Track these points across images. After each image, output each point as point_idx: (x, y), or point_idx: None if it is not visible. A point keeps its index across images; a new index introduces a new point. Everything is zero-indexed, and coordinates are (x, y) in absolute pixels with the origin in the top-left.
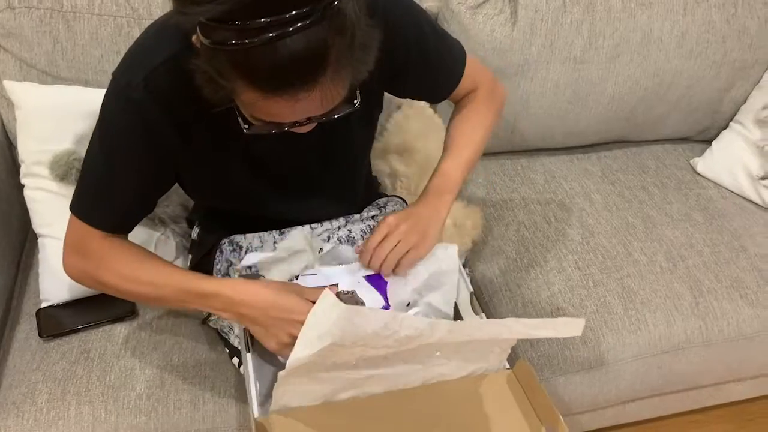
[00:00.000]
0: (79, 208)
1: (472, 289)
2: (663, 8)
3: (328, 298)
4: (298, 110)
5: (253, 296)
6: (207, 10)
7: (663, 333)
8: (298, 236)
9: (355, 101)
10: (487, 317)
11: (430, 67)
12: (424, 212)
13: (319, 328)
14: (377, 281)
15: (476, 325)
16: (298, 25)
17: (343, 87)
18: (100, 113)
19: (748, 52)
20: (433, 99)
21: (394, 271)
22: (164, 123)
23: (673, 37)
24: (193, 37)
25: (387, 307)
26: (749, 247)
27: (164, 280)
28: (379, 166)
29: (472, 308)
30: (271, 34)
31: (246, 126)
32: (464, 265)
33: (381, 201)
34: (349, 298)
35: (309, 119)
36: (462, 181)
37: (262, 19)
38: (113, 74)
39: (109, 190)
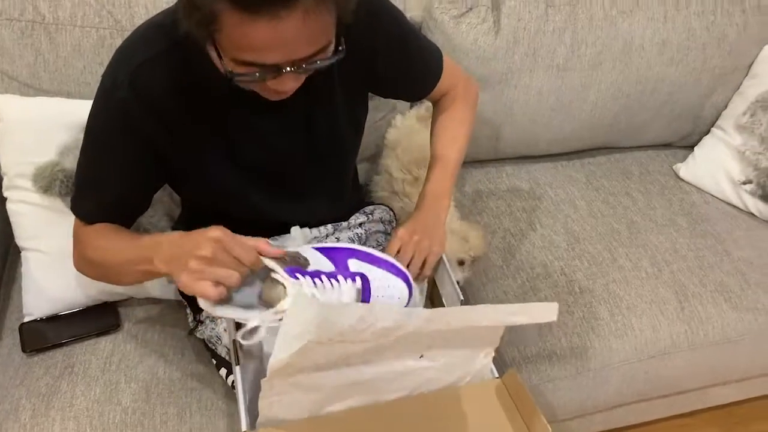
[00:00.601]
0: (73, 202)
1: (462, 298)
2: (644, 16)
3: (300, 297)
4: (281, 35)
5: (175, 234)
6: None
7: (649, 338)
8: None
9: (340, 47)
10: None
11: (412, 65)
12: (428, 219)
13: (295, 328)
14: (328, 252)
15: (452, 312)
16: None
17: (327, 15)
18: (91, 110)
19: (727, 59)
20: (413, 98)
21: (417, 278)
22: (150, 120)
23: (654, 45)
24: None
25: (337, 272)
26: (732, 251)
27: (122, 243)
28: (398, 174)
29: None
30: None
31: (230, 72)
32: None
33: (368, 208)
34: (294, 255)
35: (294, 64)
36: (454, 181)
37: None
38: (102, 76)
39: (95, 186)
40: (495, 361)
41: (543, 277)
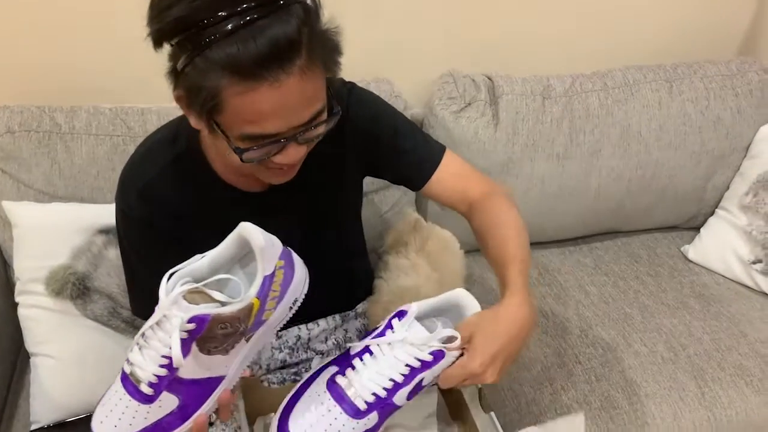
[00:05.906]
0: (143, 312)
1: (479, 385)
2: (639, 104)
3: None
4: (282, 99)
5: None
6: (179, 10)
7: (670, 426)
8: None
9: (335, 110)
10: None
11: (405, 149)
12: (512, 345)
13: None
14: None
15: None
16: (260, 15)
17: (319, 73)
18: (118, 231)
19: (724, 141)
20: (413, 185)
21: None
22: (171, 223)
23: (652, 131)
24: (175, 93)
25: None
26: (749, 332)
27: None
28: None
29: (481, 405)
30: (241, 21)
31: (236, 148)
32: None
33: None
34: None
35: (295, 132)
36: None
37: (228, 11)
38: (115, 198)
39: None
40: None
41: (557, 366)
